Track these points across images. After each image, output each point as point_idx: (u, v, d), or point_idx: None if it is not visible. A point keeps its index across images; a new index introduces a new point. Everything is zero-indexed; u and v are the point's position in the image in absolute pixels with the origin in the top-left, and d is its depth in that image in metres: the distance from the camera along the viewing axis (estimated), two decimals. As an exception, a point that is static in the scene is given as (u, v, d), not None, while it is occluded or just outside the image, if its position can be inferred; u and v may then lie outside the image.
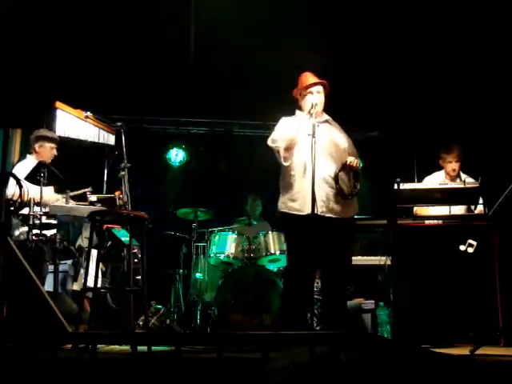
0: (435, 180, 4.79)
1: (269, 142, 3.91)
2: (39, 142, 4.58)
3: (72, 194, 4.43)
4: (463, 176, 4.76)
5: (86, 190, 4.48)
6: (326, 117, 3.99)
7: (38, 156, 4.54)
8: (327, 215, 3.72)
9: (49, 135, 4.59)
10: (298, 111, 4.02)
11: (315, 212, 3.54)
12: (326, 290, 3.88)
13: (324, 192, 3.72)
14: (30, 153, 4.64)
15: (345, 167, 3.75)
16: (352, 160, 3.74)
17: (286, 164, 3.85)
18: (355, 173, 3.79)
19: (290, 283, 3.90)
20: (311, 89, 3.92)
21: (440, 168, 4.91)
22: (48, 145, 4.59)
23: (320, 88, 3.94)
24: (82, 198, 4.52)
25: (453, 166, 4.77)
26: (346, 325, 3.70)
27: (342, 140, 3.93)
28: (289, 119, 4.00)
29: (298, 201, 3.78)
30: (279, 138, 3.85)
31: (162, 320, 5.05)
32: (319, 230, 3.58)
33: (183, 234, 6.05)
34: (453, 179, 4.75)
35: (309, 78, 3.98)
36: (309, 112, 3.77)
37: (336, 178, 3.72)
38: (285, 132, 3.86)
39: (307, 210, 3.65)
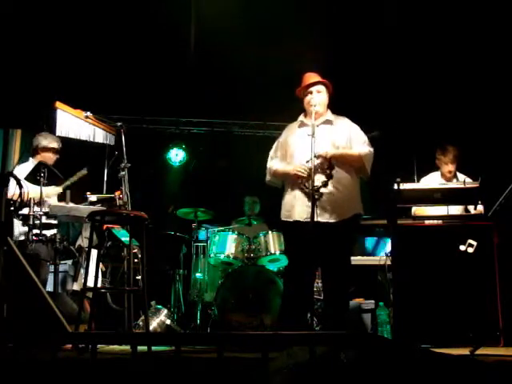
0: (431, 181, 4.79)
1: (267, 172, 4.05)
2: (43, 150, 4.64)
3: (70, 181, 4.46)
4: (460, 176, 4.76)
5: (82, 172, 4.51)
6: (328, 116, 3.94)
7: (40, 159, 4.56)
8: (319, 220, 3.67)
9: (55, 146, 4.63)
10: (301, 115, 4.02)
11: (313, 217, 3.54)
12: (325, 291, 3.92)
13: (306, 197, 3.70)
14: (33, 156, 4.66)
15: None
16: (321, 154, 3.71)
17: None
18: (329, 163, 3.75)
19: (288, 284, 3.93)
20: (311, 88, 3.90)
21: (437, 168, 4.90)
22: (51, 154, 4.65)
23: (320, 87, 3.91)
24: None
25: (449, 167, 4.75)
26: (346, 325, 3.69)
27: (342, 141, 3.86)
28: (288, 129, 4.05)
29: (286, 207, 3.87)
30: (269, 174, 4.01)
31: (162, 320, 5.05)
32: (311, 235, 3.54)
33: (183, 234, 6.05)
34: (449, 180, 4.75)
35: (309, 77, 3.95)
36: (305, 114, 3.77)
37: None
38: (276, 171, 3.96)
39: (293, 217, 3.77)
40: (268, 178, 4.05)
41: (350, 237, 3.91)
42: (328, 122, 3.93)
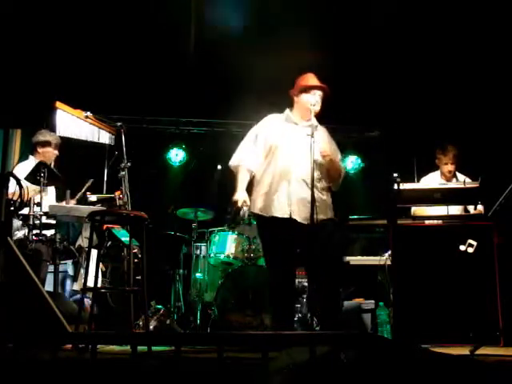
0: (431, 180, 4.80)
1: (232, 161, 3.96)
2: (42, 146, 4.62)
3: (78, 196, 4.50)
4: (460, 176, 4.77)
5: (87, 185, 4.56)
6: (315, 121, 3.89)
7: (41, 157, 4.56)
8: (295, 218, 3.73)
9: (52, 140, 4.63)
10: (287, 110, 4.00)
11: (313, 216, 3.54)
12: (318, 290, 3.88)
13: (300, 195, 3.71)
14: (33, 154, 4.66)
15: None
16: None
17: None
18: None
19: (271, 284, 3.95)
20: (313, 90, 3.91)
21: (437, 168, 4.91)
22: (51, 149, 4.65)
23: (321, 93, 3.93)
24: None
25: (449, 167, 4.77)
26: (340, 321, 3.72)
27: (331, 149, 3.93)
28: (271, 124, 3.97)
29: (263, 200, 3.86)
30: (236, 163, 3.93)
31: (162, 320, 5.05)
32: (306, 234, 3.61)
33: (183, 234, 6.05)
34: (449, 179, 4.76)
35: (312, 79, 3.98)
36: (307, 112, 3.80)
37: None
38: (239, 172, 3.89)
39: (271, 213, 3.79)
40: (231, 164, 3.97)
41: (338, 235, 3.92)
42: (314, 126, 3.85)
